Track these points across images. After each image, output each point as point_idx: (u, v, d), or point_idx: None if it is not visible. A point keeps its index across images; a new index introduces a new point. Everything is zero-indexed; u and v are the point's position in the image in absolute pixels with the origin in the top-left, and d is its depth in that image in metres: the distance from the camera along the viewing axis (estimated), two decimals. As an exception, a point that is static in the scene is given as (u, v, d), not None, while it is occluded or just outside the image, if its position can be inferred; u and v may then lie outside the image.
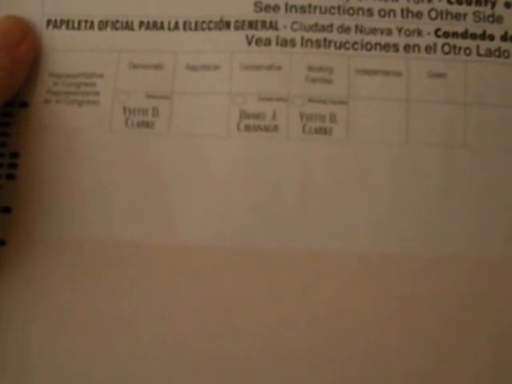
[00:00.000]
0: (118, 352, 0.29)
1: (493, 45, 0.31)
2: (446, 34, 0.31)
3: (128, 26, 0.32)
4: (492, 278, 0.29)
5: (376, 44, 0.31)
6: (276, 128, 0.30)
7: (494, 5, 0.31)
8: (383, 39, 0.31)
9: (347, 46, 0.31)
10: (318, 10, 0.31)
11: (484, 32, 0.31)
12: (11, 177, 0.31)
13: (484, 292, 0.29)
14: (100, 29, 0.32)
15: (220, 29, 0.31)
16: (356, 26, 0.31)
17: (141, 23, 0.32)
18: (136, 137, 0.31)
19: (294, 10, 0.31)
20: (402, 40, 0.31)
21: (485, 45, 0.31)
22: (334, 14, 0.31)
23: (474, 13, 0.31)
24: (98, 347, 0.29)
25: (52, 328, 0.29)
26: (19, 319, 0.29)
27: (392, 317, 0.29)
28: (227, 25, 0.31)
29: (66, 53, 0.32)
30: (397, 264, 0.29)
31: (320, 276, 0.29)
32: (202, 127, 0.31)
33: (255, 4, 0.31)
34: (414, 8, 0.31)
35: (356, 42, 0.31)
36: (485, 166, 0.30)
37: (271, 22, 0.31)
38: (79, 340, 0.29)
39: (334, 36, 0.31)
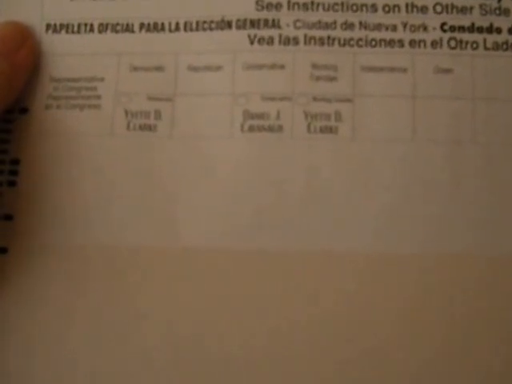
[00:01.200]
0: (123, 358, 0.28)
1: (500, 38, 0.30)
2: (452, 29, 0.30)
3: (128, 28, 0.31)
4: (503, 275, 0.28)
5: (381, 40, 0.30)
6: (280, 128, 0.30)
7: (500, -3, 0.30)
8: (388, 35, 0.30)
9: (351, 42, 0.30)
10: (321, 7, 0.31)
11: (491, 25, 0.30)
12: (12, 184, 0.30)
13: (496, 290, 0.28)
14: (100, 32, 0.31)
15: (222, 29, 0.31)
16: (360, 23, 0.30)
17: (141, 25, 0.31)
18: (138, 140, 0.30)
19: (296, 7, 0.31)
20: (407, 35, 0.30)
21: (492, 38, 0.30)
22: (337, 10, 0.31)
23: (481, 6, 0.30)
24: (103, 353, 0.29)
25: (55, 335, 0.29)
26: (22, 326, 0.29)
27: (401, 316, 0.28)
28: (229, 24, 0.31)
29: (66, 57, 0.31)
30: (405, 263, 0.29)
31: (327, 276, 0.29)
32: (205, 129, 0.30)
33: (257, 2, 0.31)
34: (419, 2, 0.30)
35: (360, 39, 0.30)
36: (494, 162, 0.29)
37: (273, 21, 0.31)
38: (83, 346, 0.29)
39: (338, 33, 0.30)
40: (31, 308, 0.29)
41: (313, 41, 0.30)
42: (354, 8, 0.30)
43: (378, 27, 0.30)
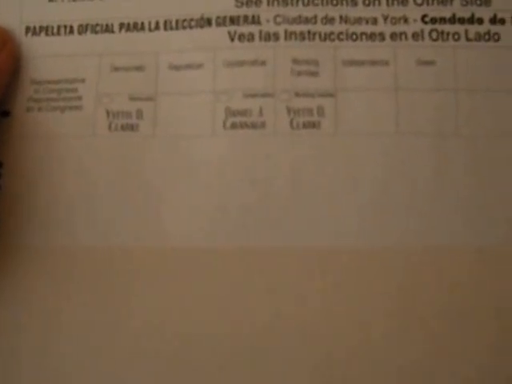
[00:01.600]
0: (110, 359, 0.28)
1: (482, 28, 0.30)
2: (434, 20, 0.30)
3: (108, 28, 0.31)
4: (489, 267, 0.28)
5: (362, 34, 0.30)
6: (263, 124, 0.30)
7: (480, -13, 0.30)
8: (369, 28, 0.30)
9: (332, 37, 0.30)
10: (300, 2, 0.30)
11: (472, 16, 0.30)
12: (-5, 187, 0.30)
13: (482, 281, 0.28)
14: (80, 33, 0.31)
15: (201, 26, 0.30)
16: (340, 17, 0.30)
17: (121, 25, 0.31)
18: (120, 140, 0.30)
19: (276, 3, 0.30)
20: (388, 28, 0.30)
21: (474, 29, 0.30)
22: (317, 5, 0.30)
23: (461, -4, 0.30)
24: (90, 355, 0.28)
25: (40, 338, 0.29)
26: (6, 329, 0.29)
27: (389, 310, 0.28)
28: (208, 22, 0.30)
29: (46, 59, 0.31)
30: (391, 257, 0.28)
31: (314, 273, 0.29)
32: (187, 127, 0.30)
33: (236, -1, 0.31)
34: (399, -5, 0.30)
35: (341, 33, 0.30)
36: (478, 154, 0.29)
37: (253, 17, 0.30)
38: (70, 348, 0.28)
39: (319, 27, 0.30)
40: (15, 310, 0.29)
41: (293, 36, 0.30)
42: (334, 2, 0.30)
43: (358, 21, 0.30)
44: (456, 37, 0.30)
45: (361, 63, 0.30)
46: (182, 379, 0.28)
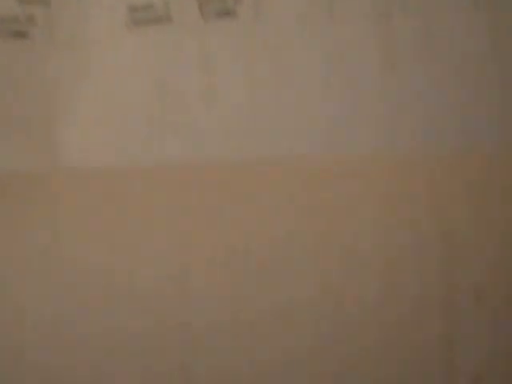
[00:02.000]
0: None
1: None
2: None
3: None
4: (406, 175, 0.24)
5: None
6: (169, 18, 0.25)
7: None
8: None
9: None
10: None
11: None
12: None
13: (400, 190, 0.24)
14: None
15: None
16: None
17: None
18: (10, 48, 0.26)
19: None
20: None
21: None
22: None
23: None
24: None
25: None
26: None
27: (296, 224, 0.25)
28: None
29: None
30: (302, 166, 0.25)
31: (224, 183, 0.25)
32: (87, 31, 0.26)
33: None
34: None
35: None
36: (426, 32, 0.24)
37: None
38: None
39: None
40: None
41: None
42: None
43: None
44: None
45: None
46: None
